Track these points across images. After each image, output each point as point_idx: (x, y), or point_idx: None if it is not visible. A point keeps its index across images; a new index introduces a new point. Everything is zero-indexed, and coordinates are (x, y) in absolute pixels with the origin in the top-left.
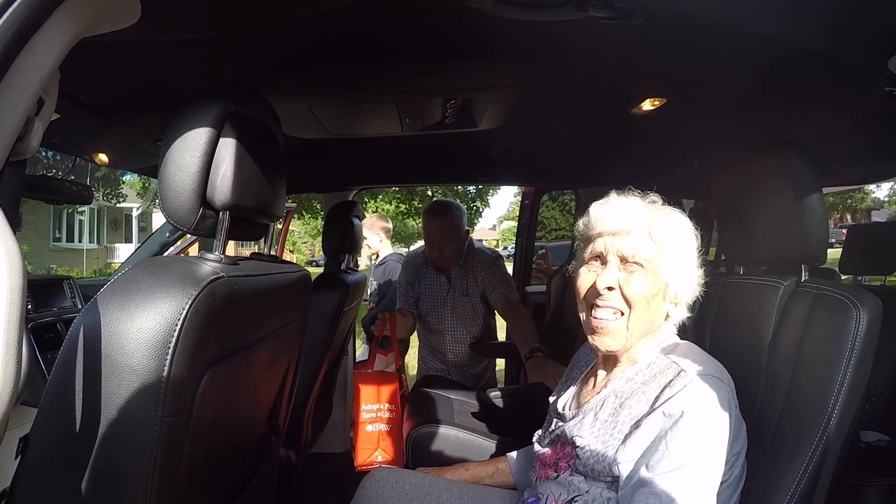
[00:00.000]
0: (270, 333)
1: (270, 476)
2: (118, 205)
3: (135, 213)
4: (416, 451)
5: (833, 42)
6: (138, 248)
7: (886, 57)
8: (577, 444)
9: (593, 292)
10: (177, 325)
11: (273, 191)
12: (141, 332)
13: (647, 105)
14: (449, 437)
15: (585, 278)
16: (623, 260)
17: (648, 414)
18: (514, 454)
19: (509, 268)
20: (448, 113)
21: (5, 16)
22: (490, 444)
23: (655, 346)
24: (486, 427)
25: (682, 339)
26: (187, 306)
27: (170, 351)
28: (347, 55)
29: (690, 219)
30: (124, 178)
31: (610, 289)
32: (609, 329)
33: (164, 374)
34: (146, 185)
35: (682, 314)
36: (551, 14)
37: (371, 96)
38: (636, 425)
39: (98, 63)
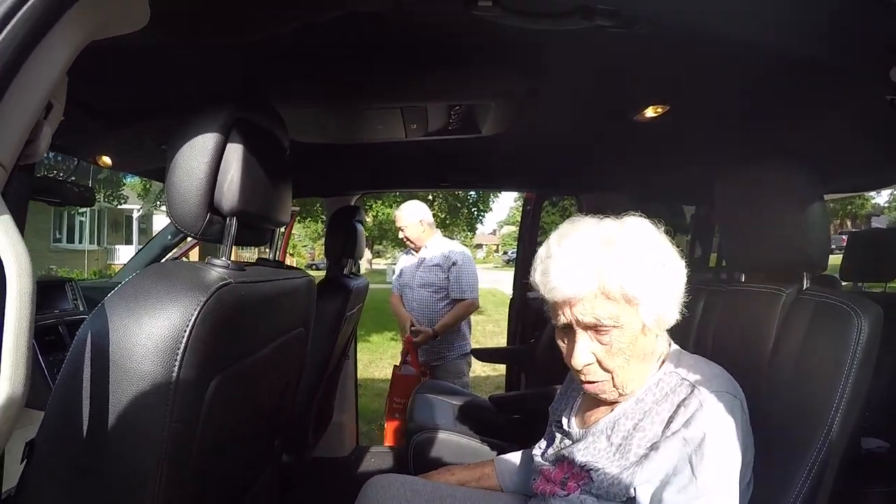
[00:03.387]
0: (276, 339)
1: (273, 480)
2: (119, 206)
3: (136, 215)
4: (418, 457)
5: (833, 53)
6: (140, 250)
7: (887, 68)
8: (590, 468)
9: (573, 365)
10: (185, 331)
11: (279, 197)
12: (150, 338)
13: (651, 112)
14: (449, 442)
15: (561, 348)
16: (587, 327)
17: (664, 437)
18: (502, 458)
19: (510, 273)
20: (452, 119)
21: (14, 20)
22: (489, 450)
23: (657, 363)
24: (486, 432)
25: (682, 346)
26: (196, 312)
27: (178, 357)
28: (354, 62)
29: (673, 221)
30: (126, 180)
31: (587, 365)
32: (600, 390)
33: (173, 380)
34: (147, 187)
35: (672, 322)
36: (558, 23)
37: (377, 103)
38: (653, 447)
39: (106, 68)
